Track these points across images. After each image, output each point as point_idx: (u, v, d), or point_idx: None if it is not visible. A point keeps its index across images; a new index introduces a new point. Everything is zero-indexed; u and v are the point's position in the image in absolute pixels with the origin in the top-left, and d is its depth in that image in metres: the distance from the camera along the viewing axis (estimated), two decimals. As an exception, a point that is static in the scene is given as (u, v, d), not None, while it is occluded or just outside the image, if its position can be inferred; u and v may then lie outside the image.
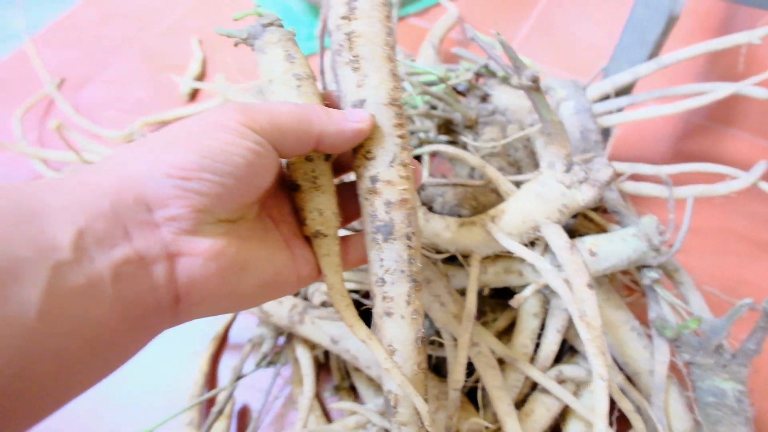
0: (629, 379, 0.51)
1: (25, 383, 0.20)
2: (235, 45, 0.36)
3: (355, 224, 0.53)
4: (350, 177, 0.38)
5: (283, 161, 0.34)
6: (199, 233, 0.25)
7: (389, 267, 0.32)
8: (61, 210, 0.22)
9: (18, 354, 0.20)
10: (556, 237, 0.45)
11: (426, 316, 0.58)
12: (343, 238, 0.35)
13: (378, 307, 0.33)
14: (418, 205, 0.33)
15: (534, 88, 0.43)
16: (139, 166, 0.25)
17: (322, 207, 0.33)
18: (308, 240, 0.34)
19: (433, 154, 0.71)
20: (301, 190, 0.33)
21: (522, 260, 0.51)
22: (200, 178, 0.25)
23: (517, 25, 0.95)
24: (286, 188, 0.34)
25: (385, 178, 0.32)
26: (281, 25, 0.35)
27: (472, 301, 0.47)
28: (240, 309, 0.30)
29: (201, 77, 0.94)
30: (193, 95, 0.92)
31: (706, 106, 0.57)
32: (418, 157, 0.66)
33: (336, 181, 0.36)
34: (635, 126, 0.74)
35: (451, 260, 0.54)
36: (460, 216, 0.55)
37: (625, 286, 0.63)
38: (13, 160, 0.84)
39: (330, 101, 0.35)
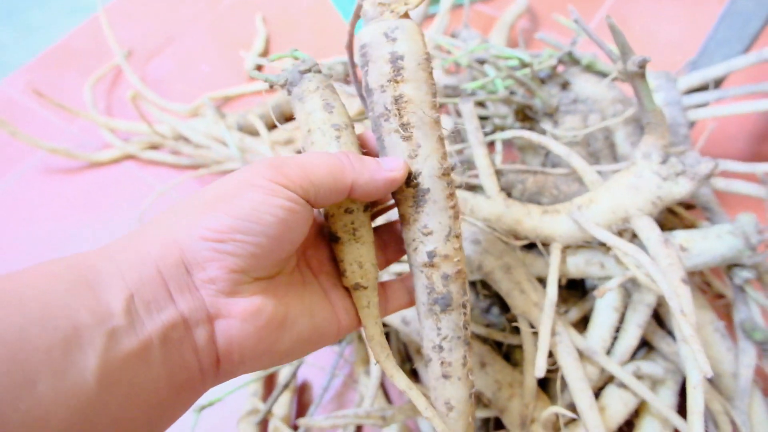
0: (710, 381, 0.49)
1: None
2: (271, 87, 0.36)
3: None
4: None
5: (321, 210, 0.34)
6: (236, 294, 0.26)
7: (447, 335, 0.33)
8: (113, 277, 0.23)
9: (79, 422, 0.21)
10: (649, 230, 0.44)
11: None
12: (382, 285, 0.35)
13: (435, 370, 0.34)
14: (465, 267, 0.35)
15: (640, 75, 0.41)
16: (178, 230, 0.26)
17: (361, 259, 0.32)
18: (347, 290, 0.34)
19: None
20: (340, 242, 0.32)
21: (604, 252, 0.49)
22: (233, 239, 0.25)
23: (588, 17, 0.93)
24: (326, 238, 0.34)
25: (442, 253, 0.32)
26: (319, 71, 0.34)
27: (553, 289, 0.47)
28: (281, 363, 0.31)
29: (265, 54, 0.94)
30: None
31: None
32: (492, 143, 0.65)
33: (382, 218, 0.36)
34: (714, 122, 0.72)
35: (529, 248, 0.54)
36: (539, 204, 0.54)
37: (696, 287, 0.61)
38: (84, 128, 0.86)
39: (365, 146, 0.35)
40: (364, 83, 0.33)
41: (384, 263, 0.36)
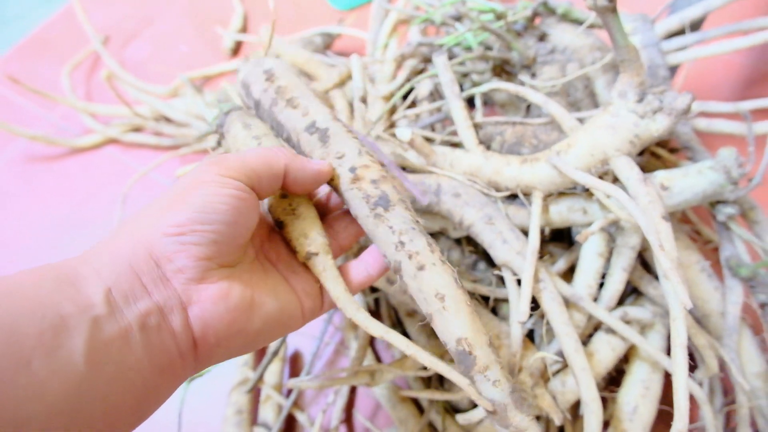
0: (698, 321, 0.49)
1: (80, 423, 0.24)
2: (216, 143, 0.44)
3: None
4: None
5: (265, 206, 0.38)
6: (204, 280, 0.29)
7: (401, 228, 0.33)
8: (91, 275, 0.27)
9: (72, 396, 0.23)
10: (628, 169, 0.43)
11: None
12: (343, 266, 0.37)
13: (408, 270, 0.32)
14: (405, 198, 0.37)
15: (610, 9, 0.40)
16: (143, 230, 0.29)
17: (306, 230, 0.35)
18: (306, 270, 0.35)
19: (485, 103, 0.69)
20: (284, 224, 0.35)
21: (586, 198, 0.49)
22: (194, 230, 0.28)
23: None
24: (279, 234, 0.37)
25: (360, 164, 0.35)
26: (240, 108, 0.41)
27: (535, 236, 0.46)
28: (255, 347, 0.33)
29: (242, 31, 0.93)
30: (236, 50, 0.91)
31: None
32: (471, 99, 0.64)
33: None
34: (697, 72, 0.70)
35: (511, 201, 0.53)
36: (519, 155, 0.54)
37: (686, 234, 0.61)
38: (65, 115, 0.85)
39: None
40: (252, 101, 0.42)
41: (338, 251, 0.38)
